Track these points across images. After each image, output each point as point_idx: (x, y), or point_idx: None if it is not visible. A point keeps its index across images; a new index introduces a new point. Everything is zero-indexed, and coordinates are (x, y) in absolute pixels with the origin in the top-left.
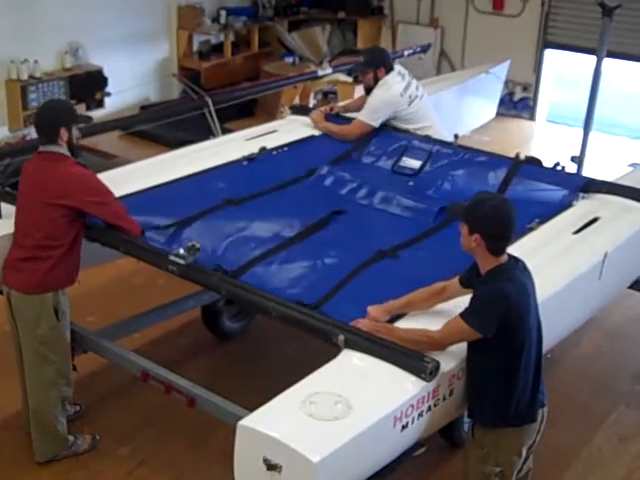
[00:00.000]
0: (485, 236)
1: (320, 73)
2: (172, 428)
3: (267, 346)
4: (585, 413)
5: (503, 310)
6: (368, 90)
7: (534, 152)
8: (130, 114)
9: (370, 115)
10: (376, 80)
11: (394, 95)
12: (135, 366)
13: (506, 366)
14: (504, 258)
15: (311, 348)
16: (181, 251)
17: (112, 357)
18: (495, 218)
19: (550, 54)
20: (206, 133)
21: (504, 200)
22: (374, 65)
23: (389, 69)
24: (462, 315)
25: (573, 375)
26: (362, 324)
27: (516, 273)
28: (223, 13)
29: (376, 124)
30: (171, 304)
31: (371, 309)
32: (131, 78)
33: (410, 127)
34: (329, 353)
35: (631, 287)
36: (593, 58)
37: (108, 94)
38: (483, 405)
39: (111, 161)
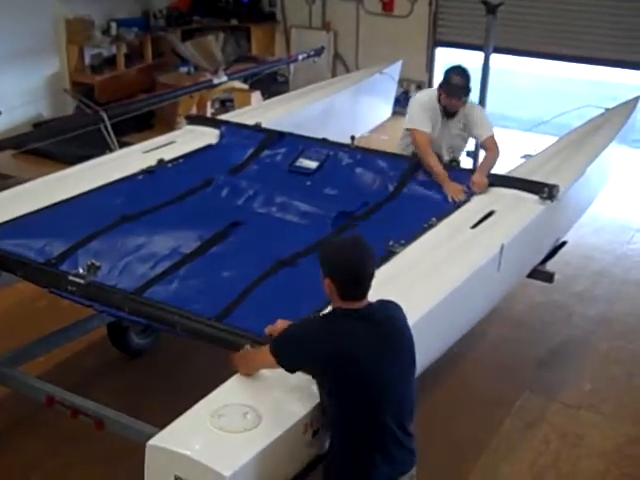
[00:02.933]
0: (334, 281)
1: (216, 81)
2: (82, 453)
3: (177, 361)
4: (492, 402)
5: (304, 348)
6: (450, 114)
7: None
8: (22, 132)
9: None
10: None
11: None
12: (39, 392)
13: (343, 424)
14: (360, 304)
15: (221, 361)
16: (80, 270)
17: (14, 384)
18: (341, 262)
19: (441, 52)
20: (104, 148)
21: (353, 243)
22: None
23: None
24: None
25: (479, 366)
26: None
27: (351, 322)
28: (113, 25)
29: None
30: (75, 324)
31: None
32: (22, 96)
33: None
34: None
35: (530, 276)
36: (481, 54)
37: None
38: (329, 469)
39: (5, 181)
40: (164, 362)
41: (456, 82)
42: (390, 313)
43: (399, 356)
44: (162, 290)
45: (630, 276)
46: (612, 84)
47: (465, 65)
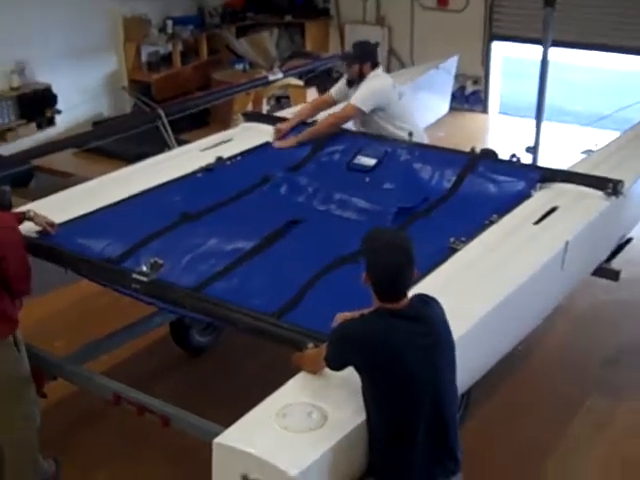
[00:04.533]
0: (371, 281)
1: (271, 78)
2: (149, 449)
3: (239, 359)
4: (559, 403)
5: (345, 346)
6: (350, 82)
7: (489, 145)
8: (83, 131)
9: (363, 100)
10: (361, 74)
11: (387, 85)
12: (105, 389)
13: (381, 421)
14: (400, 304)
15: (284, 358)
16: (144, 268)
17: (82, 382)
18: (377, 264)
19: (497, 46)
20: (162, 145)
21: (391, 245)
22: (362, 59)
23: (374, 65)
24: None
25: (545, 365)
26: None
27: (390, 321)
28: (169, 23)
29: (367, 109)
30: (138, 322)
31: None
32: (81, 94)
33: (399, 124)
34: None
35: (594, 274)
36: (540, 48)
37: (59, 111)
38: (374, 462)
39: (66, 180)
40: (226, 360)
41: (347, 50)
42: (430, 311)
43: (440, 356)
44: (223, 287)
45: None
46: None
47: (366, 39)
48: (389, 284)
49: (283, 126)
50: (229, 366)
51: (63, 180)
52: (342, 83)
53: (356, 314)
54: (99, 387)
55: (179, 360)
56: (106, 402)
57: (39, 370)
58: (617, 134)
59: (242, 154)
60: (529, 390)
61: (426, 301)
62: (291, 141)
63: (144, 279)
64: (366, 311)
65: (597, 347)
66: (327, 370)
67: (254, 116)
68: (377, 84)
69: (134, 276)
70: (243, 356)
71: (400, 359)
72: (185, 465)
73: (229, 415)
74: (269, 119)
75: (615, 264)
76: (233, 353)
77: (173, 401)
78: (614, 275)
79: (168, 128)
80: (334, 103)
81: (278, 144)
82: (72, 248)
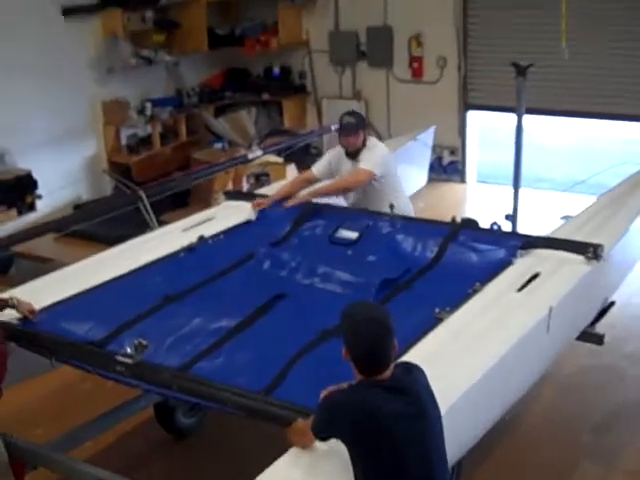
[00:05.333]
0: (352, 357)
1: (250, 156)
2: None
3: (225, 440)
4: (549, 471)
5: (331, 418)
6: (353, 154)
7: (469, 214)
8: (63, 215)
9: (374, 164)
10: (364, 142)
11: (388, 152)
12: (88, 477)
13: None
14: (383, 376)
15: (271, 436)
16: (128, 350)
17: (64, 470)
18: (357, 339)
19: (472, 116)
20: (143, 227)
21: (368, 319)
22: (364, 126)
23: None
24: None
25: (533, 432)
26: None
27: (375, 393)
28: (148, 105)
29: (379, 173)
30: (122, 406)
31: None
32: (61, 178)
33: (394, 195)
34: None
35: (579, 338)
36: (514, 116)
37: (39, 197)
38: None
39: (47, 265)
40: (212, 441)
41: (345, 121)
42: (413, 380)
43: (426, 425)
44: (208, 366)
45: None
46: None
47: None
48: (368, 359)
49: (264, 201)
50: (216, 447)
51: (44, 265)
52: (325, 160)
53: (343, 386)
54: (82, 475)
55: (165, 443)
56: None
57: (18, 460)
58: (593, 199)
59: (224, 232)
60: (514, 462)
61: (409, 370)
62: (300, 198)
63: (129, 361)
64: (352, 382)
65: (584, 413)
66: (317, 445)
67: (235, 194)
68: (384, 150)
69: (118, 358)
70: (229, 436)
71: (385, 430)
72: None
73: None
74: (250, 197)
75: (599, 328)
76: (219, 434)
77: None
78: (598, 339)
79: (149, 209)
80: (316, 180)
81: (290, 203)
82: (54, 333)
